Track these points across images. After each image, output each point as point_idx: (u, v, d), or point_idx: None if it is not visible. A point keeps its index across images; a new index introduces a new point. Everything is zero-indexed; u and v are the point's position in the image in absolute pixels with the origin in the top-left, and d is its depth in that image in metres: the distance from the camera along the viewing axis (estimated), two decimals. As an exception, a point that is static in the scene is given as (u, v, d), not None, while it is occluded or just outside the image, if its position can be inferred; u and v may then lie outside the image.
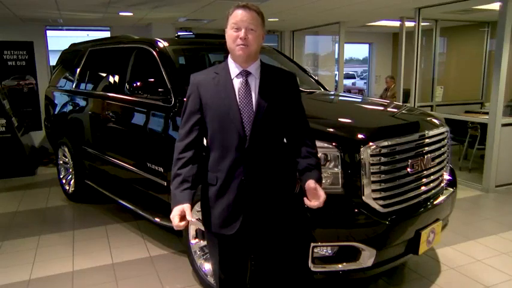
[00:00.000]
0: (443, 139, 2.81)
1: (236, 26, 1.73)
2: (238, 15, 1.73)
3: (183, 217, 1.69)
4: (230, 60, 1.83)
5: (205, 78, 1.84)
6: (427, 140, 2.63)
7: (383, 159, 2.37)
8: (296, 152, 1.87)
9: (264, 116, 1.75)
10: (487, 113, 5.37)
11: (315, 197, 1.76)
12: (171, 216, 1.71)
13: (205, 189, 1.84)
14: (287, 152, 1.88)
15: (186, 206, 1.71)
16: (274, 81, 1.83)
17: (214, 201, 1.82)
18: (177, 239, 3.57)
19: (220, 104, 1.76)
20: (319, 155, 2.27)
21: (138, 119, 3.42)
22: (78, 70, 4.60)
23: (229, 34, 1.76)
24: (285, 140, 1.90)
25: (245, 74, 1.79)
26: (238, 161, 1.75)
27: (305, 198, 1.77)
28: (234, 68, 1.81)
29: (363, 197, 2.32)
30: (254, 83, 1.80)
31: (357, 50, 28.93)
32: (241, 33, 1.72)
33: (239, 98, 1.76)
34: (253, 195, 1.78)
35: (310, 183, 1.76)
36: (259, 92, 1.78)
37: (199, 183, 1.82)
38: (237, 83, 1.79)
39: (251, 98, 1.77)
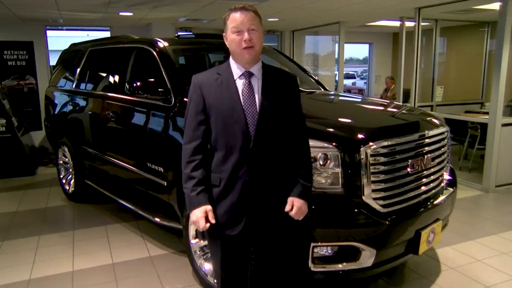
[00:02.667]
0: (443, 139, 2.81)
1: (237, 29, 1.73)
2: (237, 18, 1.73)
3: (206, 218, 1.76)
4: (232, 61, 1.84)
5: (208, 79, 1.84)
6: (427, 140, 2.63)
7: (383, 159, 2.37)
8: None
9: (267, 116, 1.77)
10: (487, 113, 5.37)
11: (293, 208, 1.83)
12: (194, 219, 1.78)
13: (208, 189, 1.83)
14: (288, 153, 1.88)
15: (209, 208, 1.77)
16: (276, 82, 1.84)
17: (217, 202, 1.82)
18: (177, 239, 3.57)
19: (224, 104, 1.77)
20: (319, 155, 2.29)
21: (138, 119, 3.42)
22: (78, 70, 4.60)
23: (232, 38, 1.76)
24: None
25: (248, 75, 1.80)
26: (242, 161, 1.75)
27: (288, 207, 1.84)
28: (236, 69, 1.81)
29: (363, 197, 2.32)
30: (257, 84, 1.81)
31: (357, 50, 28.92)
32: (245, 36, 1.72)
33: (243, 99, 1.77)
34: (256, 195, 1.79)
35: (290, 200, 1.84)
36: (263, 92, 1.79)
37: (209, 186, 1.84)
38: (240, 84, 1.80)
39: (254, 98, 1.78)
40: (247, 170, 1.76)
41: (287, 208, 1.82)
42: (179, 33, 4.29)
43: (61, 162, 4.95)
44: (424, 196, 2.62)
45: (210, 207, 1.78)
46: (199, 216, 1.76)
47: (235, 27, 1.73)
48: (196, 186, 1.78)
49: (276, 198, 1.84)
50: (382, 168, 2.36)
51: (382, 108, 3.37)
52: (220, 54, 4.00)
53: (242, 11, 1.74)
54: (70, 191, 4.77)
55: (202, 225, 1.76)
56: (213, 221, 1.77)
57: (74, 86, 4.62)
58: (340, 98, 3.94)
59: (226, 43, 1.82)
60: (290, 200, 1.83)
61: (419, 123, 2.76)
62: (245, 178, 1.76)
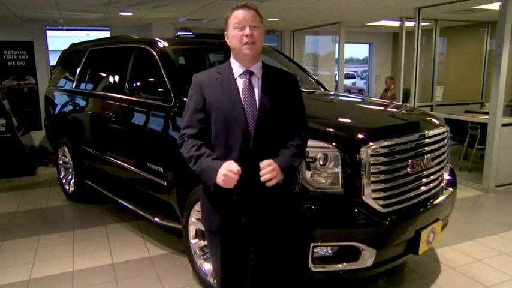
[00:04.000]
0: (443, 139, 2.81)
1: (240, 25, 1.75)
2: (240, 14, 1.76)
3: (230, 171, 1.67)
4: (233, 60, 1.85)
5: (209, 77, 1.85)
6: (427, 140, 2.63)
7: (383, 159, 2.37)
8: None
9: (267, 115, 1.77)
10: (487, 113, 5.37)
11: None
12: (224, 174, 1.66)
13: (207, 188, 1.84)
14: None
15: (231, 161, 1.69)
16: (276, 82, 1.85)
17: (217, 201, 1.82)
18: (177, 239, 3.57)
19: (225, 103, 1.77)
20: (319, 155, 2.29)
21: (138, 119, 3.42)
22: (78, 70, 4.60)
23: (234, 34, 1.77)
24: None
25: (248, 74, 1.81)
26: (241, 160, 1.75)
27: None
28: (237, 68, 1.83)
29: (363, 197, 2.32)
30: (257, 83, 1.82)
31: (357, 50, 28.88)
32: (247, 31, 1.74)
33: (243, 98, 1.78)
34: (256, 194, 1.79)
35: (267, 160, 1.71)
36: (262, 91, 1.80)
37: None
38: (241, 82, 1.81)
39: (255, 97, 1.79)
40: (247, 169, 1.76)
41: (261, 165, 1.70)
42: (179, 33, 4.29)
43: (61, 162, 4.95)
44: (424, 196, 2.62)
45: (231, 161, 1.70)
46: (226, 167, 1.67)
47: (238, 23, 1.76)
48: (208, 156, 1.75)
49: (275, 197, 1.83)
50: (382, 168, 2.36)
51: (382, 108, 3.37)
52: (220, 54, 4.00)
53: (244, 9, 1.77)
54: (70, 191, 4.77)
55: (236, 176, 1.67)
56: (238, 167, 1.67)
57: (73, 86, 4.62)
58: (340, 98, 3.94)
59: (228, 41, 1.83)
60: (267, 160, 1.72)
61: (419, 123, 2.76)
62: (245, 177, 1.76)
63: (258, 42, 1.77)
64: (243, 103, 1.77)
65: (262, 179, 1.71)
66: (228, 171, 1.67)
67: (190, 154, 1.78)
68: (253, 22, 1.76)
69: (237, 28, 1.76)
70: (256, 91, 1.80)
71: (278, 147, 1.83)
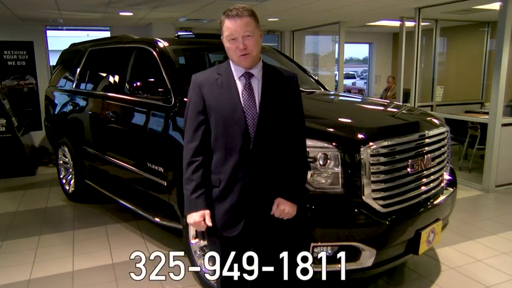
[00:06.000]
0: (443, 139, 2.81)
1: (232, 37, 1.72)
2: (231, 26, 1.71)
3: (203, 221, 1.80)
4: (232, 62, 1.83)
5: (208, 78, 1.83)
6: (427, 140, 2.63)
7: (383, 159, 2.37)
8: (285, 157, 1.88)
9: (268, 118, 1.76)
10: (487, 113, 5.38)
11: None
12: (191, 222, 1.80)
13: (208, 191, 1.83)
14: (288, 154, 1.88)
15: (207, 212, 1.79)
16: (276, 83, 1.83)
17: (216, 203, 1.82)
18: (177, 239, 3.57)
19: (225, 106, 1.76)
20: (319, 155, 2.29)
21: (138, 119, 3.42)
22: (78, 70, 4.60)
23: (227, 46, 1.76)
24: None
25: (248, 75, 1.79)
26: (241, 163, 1.75)
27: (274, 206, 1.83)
28: (236, 70, 1.81)
29: (363, 197, 2.32)
30: (257, 85, 1.80)
31: (357, 50, 28.85)
32: (240, 45, 1.71)
33: (243, 100, 1.76)
34: (256, 196, 1.78)
35: (276, 201, 1.83)
36: (263, 93, 1.78)
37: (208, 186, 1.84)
38: (240, 84, 1.79)
39: (255, 99, 1.77)
40: (247, 171, 1.75)
41: (273, 209, 1.82)
42: (179, 33, 4.29)
43: (61, 162, 4.95)
44: (424, 196, 2.62)
45: (208, 211, 1.79)
46: (197, 220, 1.79)
47: (229, 35, 1.72)
48: (196, 189, 1.79)
49: (275, 199, 1.83)
50: (382, 168, 2.36)
51: (382, 108, 3.37)
52: (220, 54, 3.99)
53: (235, 19, 1.70)
54: (70, 191, 4.77)
55: (202, 227, 1.80)
56: (210, 224, 1.79)
57: (74, 86, 4.62)
58: (340, 98, 3.93)
59: (226, 49, 1.81)
60: (276, 200, 1.82)
61: (419, 123, 2.76)
62: (245, 180, 1.76)
63: (253, 51, 1.73)
64: (243, 105, 1.75)
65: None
66: (195, 225, 1.81)
67: (184, 173, 1.84)
68: (246, 32, 1.70)
69: (229, 40, 1.73)
70: (256, 93, 1.78)
71: (278, 149, 1.82)
